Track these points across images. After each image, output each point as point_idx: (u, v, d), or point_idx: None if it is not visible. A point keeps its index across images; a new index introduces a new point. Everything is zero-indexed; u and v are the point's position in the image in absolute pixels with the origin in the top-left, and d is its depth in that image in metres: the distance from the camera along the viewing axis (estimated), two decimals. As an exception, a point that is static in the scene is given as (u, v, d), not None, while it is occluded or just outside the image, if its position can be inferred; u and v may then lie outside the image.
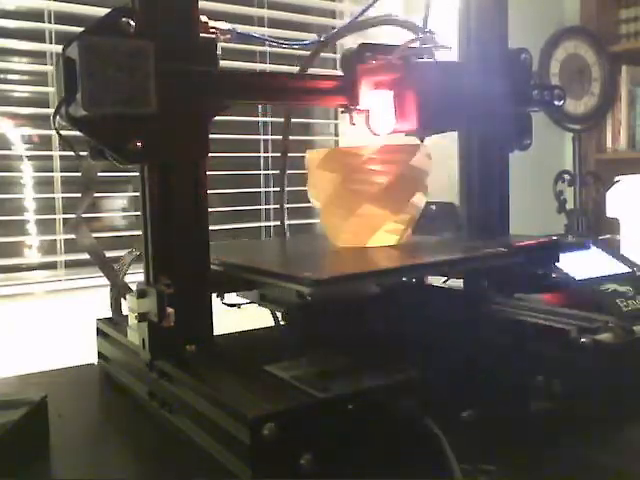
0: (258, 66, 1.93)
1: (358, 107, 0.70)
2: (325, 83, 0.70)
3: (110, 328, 0.71)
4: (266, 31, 1.92)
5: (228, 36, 0.64)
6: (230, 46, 1.72)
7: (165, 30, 0.58)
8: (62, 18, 1.63)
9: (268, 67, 1.95)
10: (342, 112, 0.72)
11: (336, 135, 2.17)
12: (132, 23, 0.55)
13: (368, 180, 0.69)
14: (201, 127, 0.60)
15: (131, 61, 0.54)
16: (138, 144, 0.56)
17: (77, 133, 0.60)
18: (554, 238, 0.69)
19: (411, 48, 0.71)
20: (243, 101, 0.68)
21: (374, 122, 0.71)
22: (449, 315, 0.67)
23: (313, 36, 0.78)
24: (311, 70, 0.79)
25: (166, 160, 0.59)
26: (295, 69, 0.80)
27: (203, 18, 0.61)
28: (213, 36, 0.62)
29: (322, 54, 0.80)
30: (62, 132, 0.57)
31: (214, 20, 0.63)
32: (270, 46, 1.93)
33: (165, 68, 0.57)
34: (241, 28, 0.68)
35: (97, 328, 0.76)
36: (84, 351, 0.78)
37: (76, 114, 0.55)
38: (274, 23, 1.97)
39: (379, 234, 0.70)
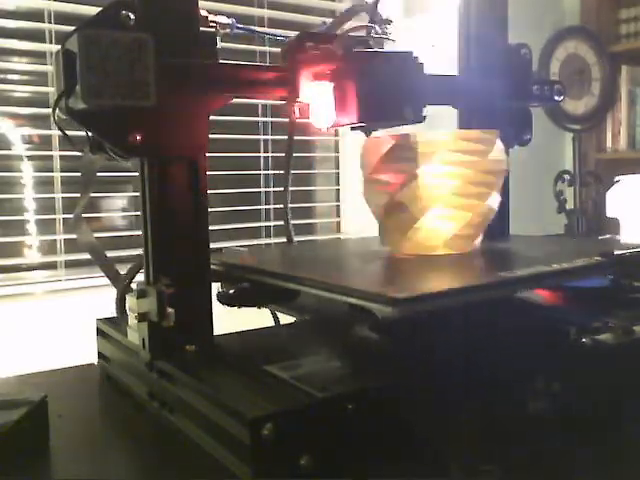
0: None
1: (298, 100, 0.67)
2: (264, 74, 0.65)
3: (110, 328, 0.71)
4: (266, 31, 1.92)
5: (227, 30, 0.64)
6: (230, 46, 1.72)
7: (165, 23, 0.58)
8: (62, 18, 1.63)
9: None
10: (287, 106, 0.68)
11: (336, 135, 2.17)
12: (132, 16, 0.55)
13: (438, 182, 0.62)
14: (201, 120, 0.60)
15: (131, 54, 0.54)
16: (137, 137, 0.56)
17: (77, 133, 0.60)
18: None
19: (353, 37, 0.67)
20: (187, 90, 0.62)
21: (315, 115, 0.67)
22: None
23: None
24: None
25: (165, 153, 0.58)
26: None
27: (203, 12, 0.61)
28: (213, 30, 0.62)
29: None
30: (63, 132, 0.57)
31: (214, 15, 0.63)
32: (270, 41, 1.93)
33: (165, 61, 0.57)
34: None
35: (97, 328, 0.75)
36: (84, 351, 0.78)
37: (75, 107, 0.55)
38: (274, 23, 1.97)
39: (448, 241, 0.64)
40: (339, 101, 0.65)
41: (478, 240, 0.67)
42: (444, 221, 0.63)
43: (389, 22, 0.71)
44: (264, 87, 0.66)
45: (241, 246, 0.95)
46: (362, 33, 0.69)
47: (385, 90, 0.65)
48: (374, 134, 0.72)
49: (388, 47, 0.71)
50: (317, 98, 0.66)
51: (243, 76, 0.64)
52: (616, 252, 0.60)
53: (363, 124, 0.68)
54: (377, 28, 0.70)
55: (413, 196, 0.63)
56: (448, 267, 0.62)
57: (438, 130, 0.65)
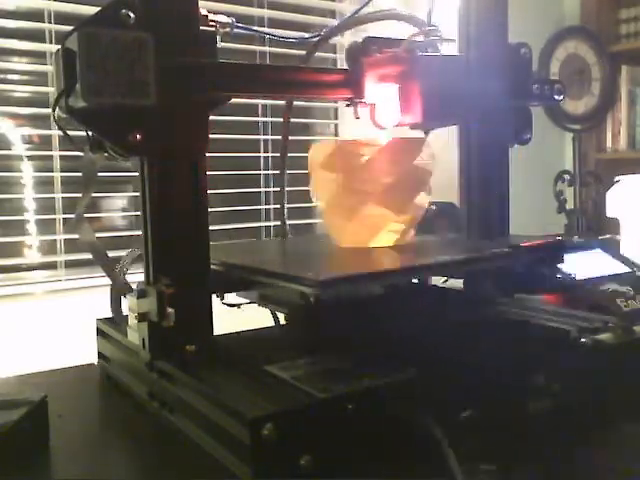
0: (258, 66, 1.93)
1: (363, 100, 0.70)
2: (330, 76, 0.70)
3: (110, 328, 0.71)
4: (266, 31, 1.92)
5: (227, 29, 0.65)
6: (230, 46, 1.72)
7: (165, 22, 0.58)
8: (62, 18, 1.63)
9: (268, 67, 1.94)
10: (347, 106, 0.72)
11: (336, 135, 2.17)
12: (132, 15, 0.55)
13: (371, 180, 0.68)
14: (201, 119, 0.60)
15: (131, 53, 0.54)
16: (137, 136, 0.56)
17: (77, 133, 0.60)
18: (559, 238, 0.69)
19: (416, 41, 0.70)
20: (246, 93, 0.67)
21: (379, 115, 0.71)
22: (450, 316, 0.67)
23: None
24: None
25: (165, 152, 0.58)
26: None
27: (203, 11, 0.61)
28: (213, 29, 0.62)
29: (321, 53, 0.80)
30: (63, 131, 0.57)
31: (213, 14, 0.63)
32: (270, 42, 1.93)
33: (164, 60, 0.57)
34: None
35: (97, 328, 0.76)
36: (84, 351, 0.78)
37: (75, 105, 0.55)
38: (274, 23, 1.97)
39: (382, 234, 0.70)
40: (403, 102, 0.68)
41: (410, 235, 0.72)
42: (376, 218, 0.70)
43: (435, 27, 0.73)
44: (331, 89, 0.69)
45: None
46: (421, 38, 0.72)
47: (445, 91, 0.69)
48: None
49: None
50: (381, 99, 0.70)
51: (311, 78, 0.68)
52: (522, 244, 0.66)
53: (424, 124, 0.71)
54: (439, 31, 0.72)
55: (348, 195, 0.69)
56: (373, 257, 0.68)
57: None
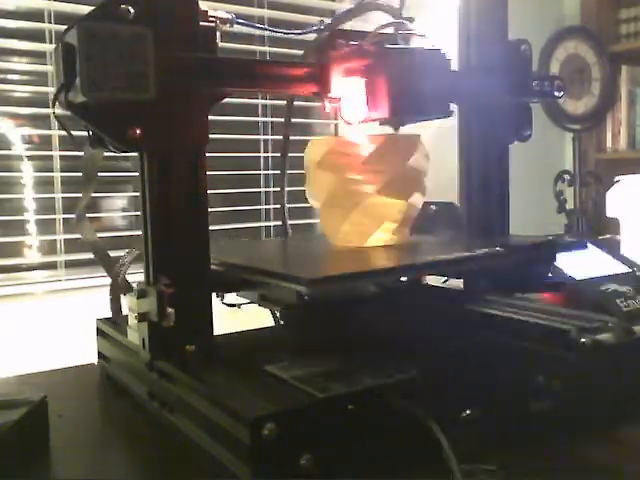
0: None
1: (330, 95, 0.68)
2: (296, 70, 0.67)
3: (110, 328, 0.71)
4: (266, 27, 1.92)
5: (227, 25, 0.64)
6: (230, 46, 1.72)
7: (164, 17, 0.57)
8: (62, 18, 1.63)
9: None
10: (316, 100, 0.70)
11: (336, 135, 2.17)
12: (131, 10, 0.55)
13: (366, 180, 0.68)
14: (200, 114, 0.60)
15: (130, 47, 0.54)
16: (137, 131, 0.56)
17: (78, 133, 0.60)
18: (550, 238, 0.69)
19: (384, 34, 0.68)
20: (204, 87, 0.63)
21: (346, 110, 0.69)
22: (446, 315, 0.67)
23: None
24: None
25: (165, 148, 0.58)
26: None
27: (203, 7, 0.61)
28: (212, 24, 0.62)
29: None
30: (63, 131, 0.57)
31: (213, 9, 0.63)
32: (270, 41, 1.93)
33: (164, 55, 0.57)
34: (241, 27, 0.68)
35: (97, 328, 0.75)
36: (84, 351, 0.78)
37: (75, 100, 0.55)
38: (274, 23, 1.97)
39: (377, 234, 0.70)
40: (371, 96, 0.66)
41: (405, 234, 0.72)
42: (370, 217, 0.69)
43: (411, 20, 0.71)
44: (297, 83, 0.67)
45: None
46: (390, 30, 0.70)
47: (415, 85, 0.66)
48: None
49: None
50: (348, 93, 0.68)
51: (276, 72, 0.66)
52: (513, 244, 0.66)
53: (393, 119, 0.69)
54: (408, 24, 0.70)
55: (343, 194, 0.69)
56: (366, 256, 0.68)
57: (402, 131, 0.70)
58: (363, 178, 0.68)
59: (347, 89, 0.67)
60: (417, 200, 0.71)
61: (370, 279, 0.62)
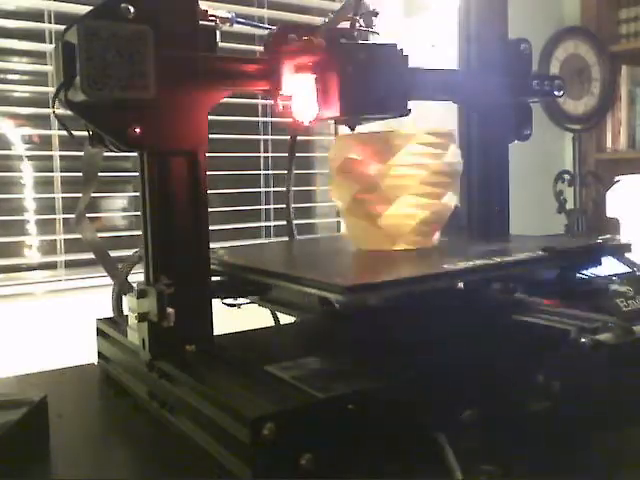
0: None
1: (281, 92, 0.65)
2: (246, 66, 0.64)
3: (110, 328, 0.71)
4: (265, 26, 1.92)
5: (227, 24, 0.64)
6: (230, 46, 1.72)
7: (164, 16, 0.57)
8: (62, 18, 1.63)
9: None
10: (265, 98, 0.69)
11: (336, 134, 2.16)
12: (131, 9, 0.55)
13: (394, 181, 0.65)
14: (200, 113, 0.60)
15: (130, 46, 0.54)
16: (137, 130, 0.56)
17: (78, 133, 0.60)
18: (599, 241, 0.67)
19: (336, 29, 0.66)
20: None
21: (297, 108, 0.66)
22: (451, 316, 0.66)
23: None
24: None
25: (165, 147, 0.58)
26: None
27: (203, 6, 0.61)
28: (212, 24, 0.62)
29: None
30: (63, 131, 0.57)
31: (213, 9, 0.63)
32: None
33: (164, 54, 0.57)
34: (241, 27, 0.68)
35: (97, 328, 0.75)
36: (84, 351, 0.78)
37: (75, 99, 0.55)
38: (274, 23, 1.96)
39: (407, 237, 0.67)
40: (321, 94, 0.64)
41: (436, 237, 0.69)
42: (401, 219, 0.66)
43: (375, 14, 0.69)
44: (247, 80, 0.65)
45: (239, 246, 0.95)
46: (346, 25, 0.68)
47: (368, 83, 0.64)
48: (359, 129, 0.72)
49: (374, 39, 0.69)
50: (299, 91, 0.65)
51: (226, 68, 0.62)
52: (558, 247, 0.64)
53: (345, 118, 0.67)
54: (361, 21, 0.68)
55: (372, 195, 0.66)
56: (400, 261, 0.65)
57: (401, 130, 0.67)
58: (388, 181, 0.65)
59: (298, 86, 0.65)
60: (450, 200, 0.68)
61: (414, 287, 0.56)
